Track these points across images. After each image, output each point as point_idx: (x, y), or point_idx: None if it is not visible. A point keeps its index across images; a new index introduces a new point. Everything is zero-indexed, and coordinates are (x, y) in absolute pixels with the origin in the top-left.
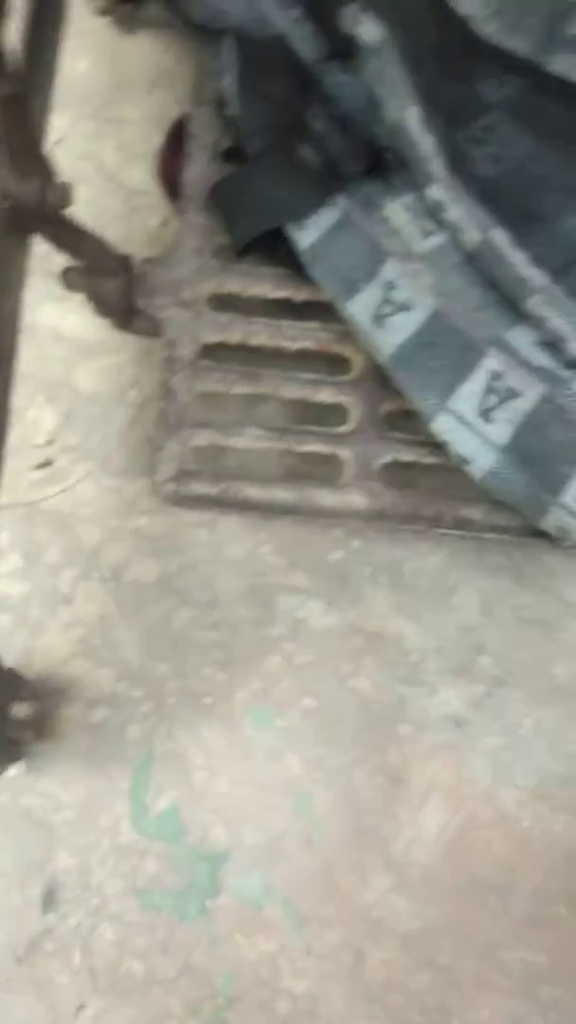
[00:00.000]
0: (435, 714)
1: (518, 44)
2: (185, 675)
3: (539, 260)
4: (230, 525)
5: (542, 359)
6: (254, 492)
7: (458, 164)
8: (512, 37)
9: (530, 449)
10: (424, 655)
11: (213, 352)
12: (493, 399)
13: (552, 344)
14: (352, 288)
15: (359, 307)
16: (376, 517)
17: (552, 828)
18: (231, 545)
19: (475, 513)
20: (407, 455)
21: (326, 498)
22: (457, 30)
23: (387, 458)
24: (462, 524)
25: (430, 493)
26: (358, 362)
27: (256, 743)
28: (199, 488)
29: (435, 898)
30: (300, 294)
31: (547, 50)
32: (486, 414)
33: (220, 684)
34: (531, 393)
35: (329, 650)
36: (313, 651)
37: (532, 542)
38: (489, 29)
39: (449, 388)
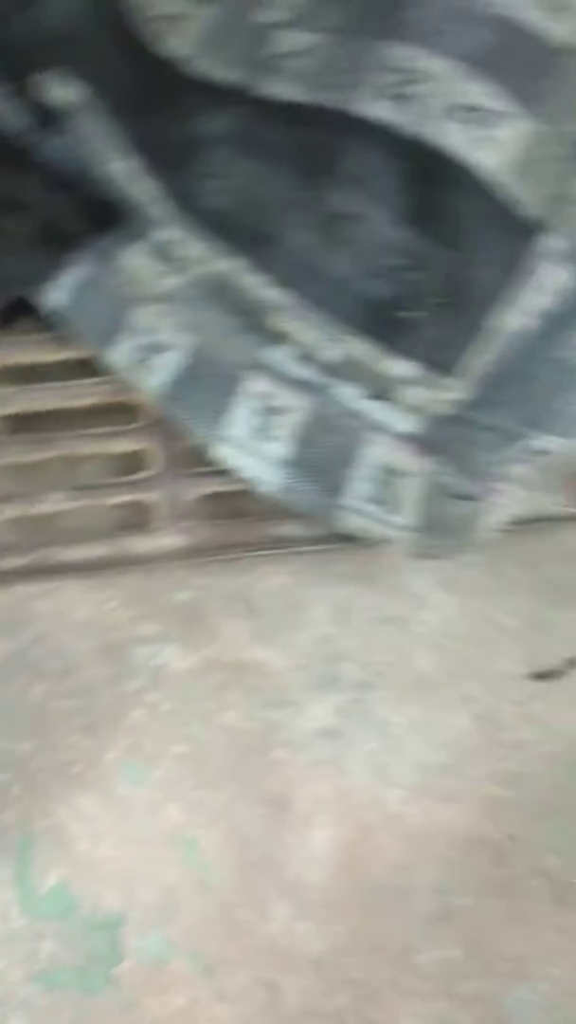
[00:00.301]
0: (307, 732)
1: (227, 75)
2: (50, 748)
3: (276, 280)
4: (71, 589)
5: (302, 372)
6: (69, 554)
7: (187, 202)
8: (220, 70)
9: (309, 459)
10: (287, 676)
11: (11, 424)
12: (264, 419)
13: (307, 356)
14: (107, 340)
15: (118, 356)
16: (194, 554)
17: (441, 819)
18: (76, 609)
19: (289, 529)
20: (214, 486)
21: (142, 545)
22: (165, 73)
23: (195, 493)
24: (279, 542)
25: (243, 518)
26: (146, 407)
27: (133, 800)
28: (13, 561)
29: (338, 915)
30: (81, 352)
31: (255, 75)
32: (261, 434)
33: (87, 750)
34: (298, 406)
35: (191, 692)
36: (176, 696)
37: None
38: (196, 67)
39: (220, 417)
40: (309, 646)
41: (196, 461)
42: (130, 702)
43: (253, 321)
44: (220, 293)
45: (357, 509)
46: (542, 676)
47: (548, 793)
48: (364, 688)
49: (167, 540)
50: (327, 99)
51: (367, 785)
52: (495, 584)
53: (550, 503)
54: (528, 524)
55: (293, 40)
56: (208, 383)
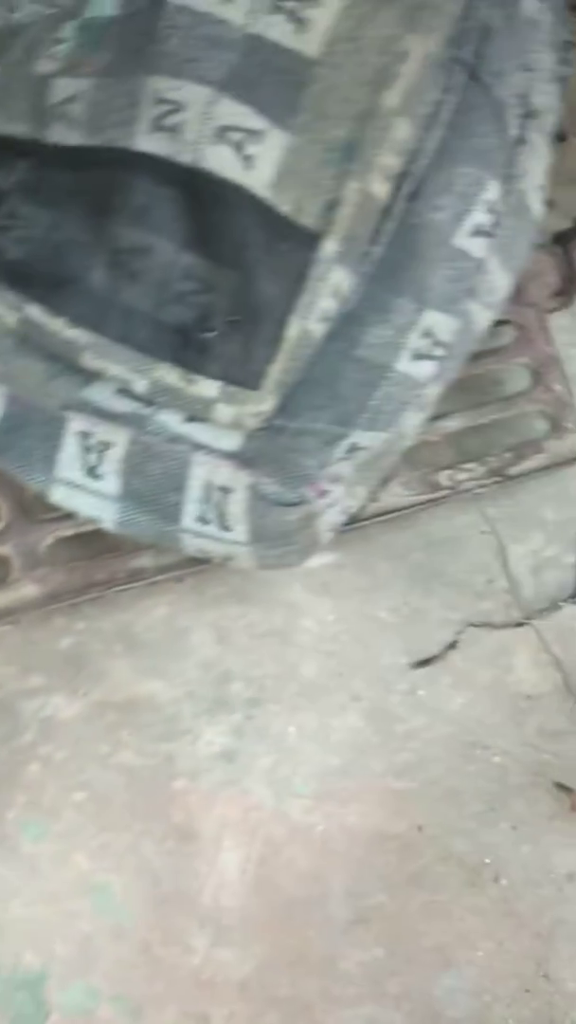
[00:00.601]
0: (204, 757)
1: (15, 128)
2: None
3: (78, 319)
4: None
5: (122, 405)
6: None
7: None
8: (7, 124)
9: (140, 490)
10: (177, 705)
11: None
12: (92, 457)
13: (123, 389)
14: None
15: None
16: (56, 599)
17: (346, 822)
18: None
19: (144, 561)
20: (64, 530)
21: (1, 599)
22: None
23: (47, 540)
24: (136, 575)
25: (99, 557)
26: None
27: (39, 856)
28: None
29: (257, 935)
30: None
31: (39, 126)
32: (91, 472)
33: None
34: (121, 440)
35: (84, 737)
36: (69, 744)
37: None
38: None
39: (49, 461)
40: (195, 672)
41: (43, 508)
42: (24, 757)
43: (66, 363)
44: (29, 341)
45: (194, 531)
46: (424, 663)
47: (446, 777)
48: (254, 704)
49: (27, 590)
50: (105, 139)
51: (270, 801)
52: (367, 582)
53: (392, 494)
54: (386, 518)
55: (67, 87)
56: (32, 430)
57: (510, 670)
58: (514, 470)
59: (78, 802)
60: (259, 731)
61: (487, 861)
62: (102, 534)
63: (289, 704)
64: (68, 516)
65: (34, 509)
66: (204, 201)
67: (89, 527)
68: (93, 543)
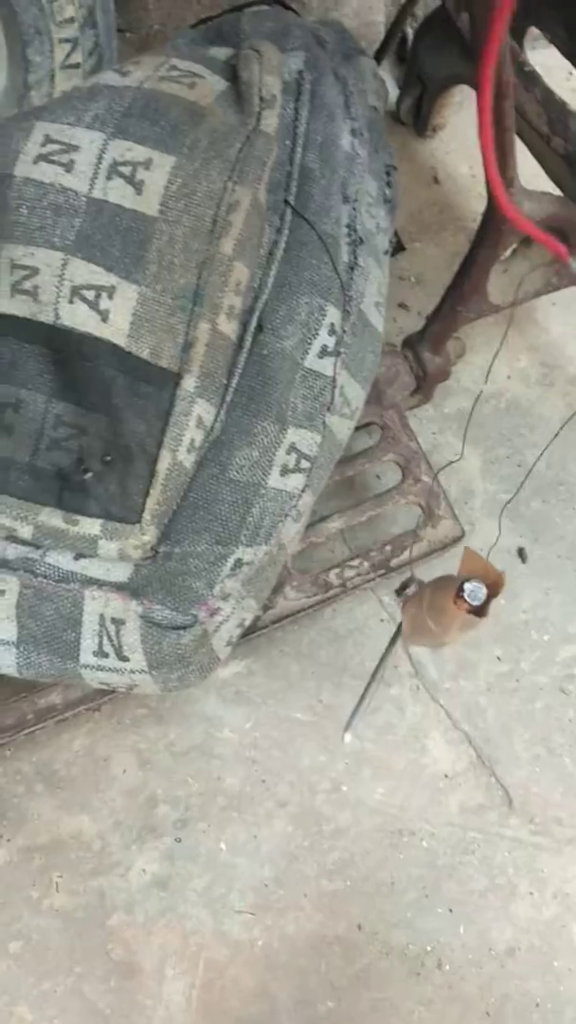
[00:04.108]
0: (138, 888)
1: None
2: None
3: None
4: None
5: (11, 552)
6: None
7: None
8: None
9: (37, 633)
10: (105, 838)
11: None
12: None
13: (10, 537)
14: None
15: None
16: None
17: (286, 931)
18: None
19: (53, 698)
20: None
21: None
22: None
23: None
24: (45, 714)
25: (4, 702)
26: None
27: None
28: None
29: None
30: None
31: None
32: None
33: None
34: (12, 586)
35: (13, 884)
36: None
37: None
38: None
39: None
40: (120, 800)
41: None
42: None
43: None
44: None
45: (94, 665)
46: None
47: (378, 870)
48: (183, 826)
49: None
50: None
51: (208, 922)
52: (279, 684)
53: (286, 599)
54: (288, 620)
55: None
56: None
57: (425, 752)
58: (395, 561)
59: (15, 953)
60: (190, 852)
61: (428, 948)
62: (5, 678)
63: (217, 820)
64: None
65: None
66: (68, 354)
67: None
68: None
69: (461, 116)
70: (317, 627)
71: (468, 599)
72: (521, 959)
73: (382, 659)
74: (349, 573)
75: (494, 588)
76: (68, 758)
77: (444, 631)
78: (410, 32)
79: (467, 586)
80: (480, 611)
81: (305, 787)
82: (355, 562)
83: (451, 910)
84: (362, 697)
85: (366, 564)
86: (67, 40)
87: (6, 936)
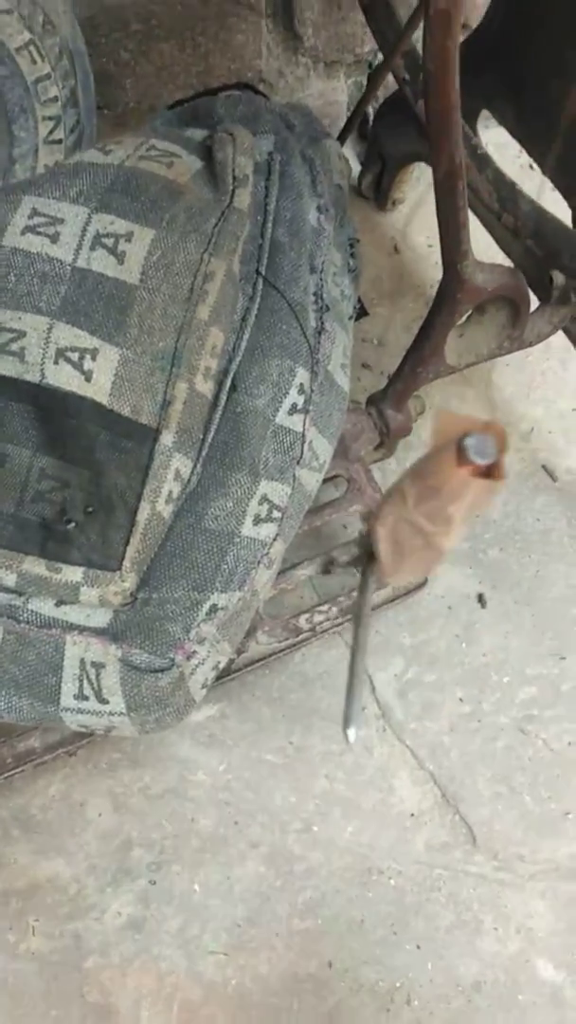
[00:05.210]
0: (113, 930)
1: None
2: None
3: None
4: None
5: None
6: None
7: None
8: None
9: (18, 677)
10: (80, 881)
11: None
12: None
13: None
14: None
15: None
16: None
17: (258, 971)
18: None
19: (31, 742)
20: None
21: None
22: None
23: None
24: (24, 758)
25: None
26: None
27: None
28: None
29: None
30: None
31: None
32: None
33: None
34: None
35: None
36: None
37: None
38: None
39: None
40: (95, 844)
41: None
42: None
43: None
44: None
45: (74, 708)
46: None
47: (348, 908)
48: (157, 868)
49: None
50: None
51: (182, 963)
52: (249, 728)
53: (258, 643)
54: (259, 664)
55: None
56: None
57: (392, 791)
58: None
59: None
60: (164, 894)
61: (397, 984)
62: None
63: (191, 861)
64: None
65: None
66: (53, 411)
67: None
68: None
69: (419, 190)
70: (287, 671)
71: (475, 457)
72: (487, 993)
73: (359, 617)
74: (318, 618)
75: (499, 436)
76: (44, 803)
77: (447, 524)
78: (371, 112)
79: (468, 442)
80: (494, 470)
81: (277, 827)
82: (324, 607)
83: (419, 946)
84: (351, 683)
85: (335, 609)
86: (50, 118)
87: None
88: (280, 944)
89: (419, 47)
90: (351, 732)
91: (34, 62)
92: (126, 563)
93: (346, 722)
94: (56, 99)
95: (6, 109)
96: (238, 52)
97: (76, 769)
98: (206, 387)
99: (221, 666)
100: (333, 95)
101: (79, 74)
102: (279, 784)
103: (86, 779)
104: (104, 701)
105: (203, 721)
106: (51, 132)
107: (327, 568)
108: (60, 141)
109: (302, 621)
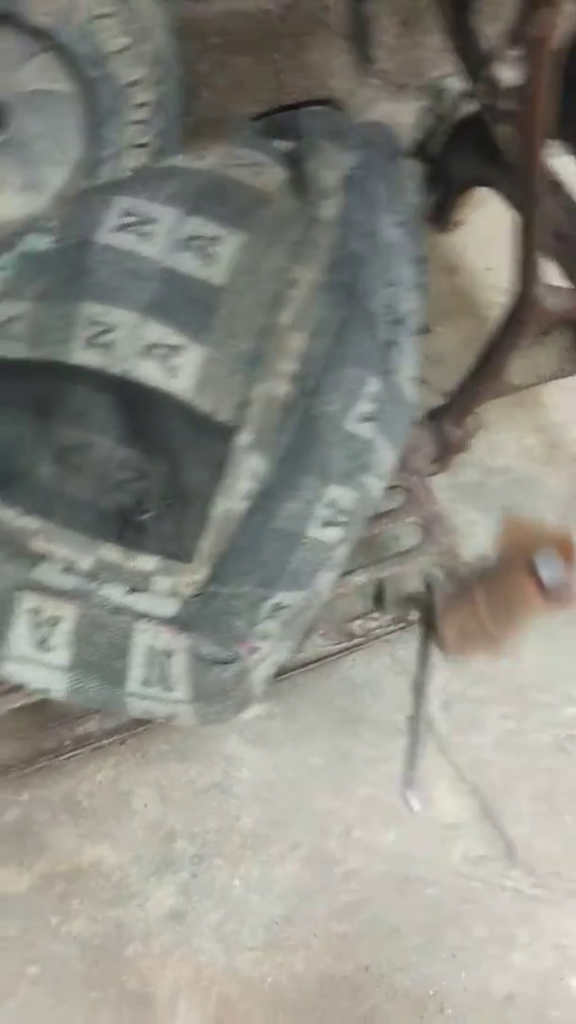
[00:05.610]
0: (154, 919)
1: None
2: None
3: (27, 510)
4: None
5: (68, 582)
6: None
7: None
8: None
9: (89, 658)
10: (125, 869)
11: None
12: (42, 631)
13: (69, 568)
14: None
15: None
16: (3, 773)
17: (295, 970)
18: None
19: (90, 726)
20: (12, 703)
21: None
22: None
23: None
24: (82, 741)
25: (46, 727)
26: None
27: None
28: None
29: None
30: None
31: None
32: (42, 645)
33: None
34: (69, 614)
35: (34, 909)
36: (19, 918)
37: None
38: None
39: (0, 640)
40: (141, 833)
41: None
42: None
43: (16, 548)
44: None
45: (139, 694)
46: None
47: (385, 914)
48: (199, 861)
49: None
50: (44, 353)
51: (220, 957)
52: (296, 729)
53: (314, 646)
54: (307, 667)
55: (8, 309)
56: None
57: (432, 802)
58: (415, 616)
59: (32, 976)
60: (205, 887)
61: (431, 993)
62: (46, 704)
63: (232, 857)
64: (14, 689)
65: None
66: (135, 404)
67: (32, 699)
68: (38, 713)
69: (479, 214)
70: (336, 676)
71: (546, 580)
72: (519, 1007)
73: (419, 688)
74: (371, 624)
75: (567, 552)
76: (91, 789)
77: (512, 629)
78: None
79: (540, 566)
80: (563, 592)
81: (318, 829)
82: (377, 615)
83: (454, 955)
84: (412, 748)
85: (388, 617)
86: (139, 122)
87: (25, 960)
88: (317, 945)
89: (502, 72)
90: (413, 799)
91: (128, 67)
92: (199, 555)
93: (406, 785)
94: (145, 104)
95: (96, 111)
96: (312, 70)
97: (125, 758)
98: (283, 390)
99: (280, 664)
100: (400, 117)
101: (169, 82)
102: (322, 787)
103: (134, 769)
104: (169, 689)
105: (251, 719)
106: (138, 136)
107: (378, 595)
108: (145, 146)
109: (355, 627)
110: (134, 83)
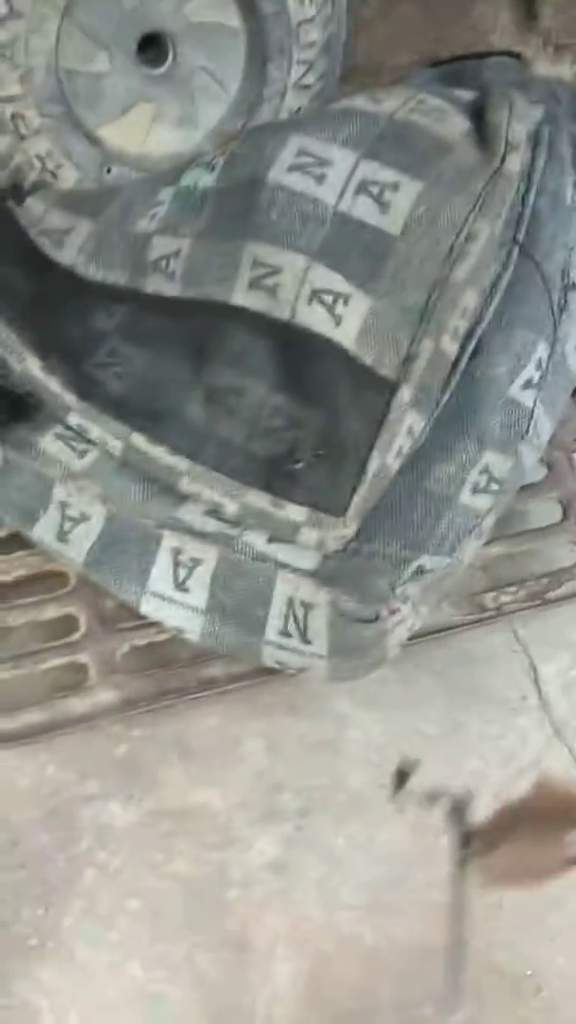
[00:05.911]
0: (256, 867)
1: (116, 278)
2: (5, 925)
3: (176, 448)
4: (9, 758)
5: (211, 525)
6: (6, 724)
7: (89, 390)
8: (110, 274)
9: (226, 604)
10: (230, 814)
11: None
12: (183, 571)
13: (214, 510)
14: (31, 517)
15: (42, 531)
16: (130, 706)
17: (393, 933)
18: (16, 776)
19: (215, 670)
20: (140, 639)
21: (78, 705)
22: (61, 279)
23: (124, 648)
24: (207, 684)
25: (173, 666)
26: (72, 572)
27: (94, 964)
28: None
29: None
30: (4, 530)
31: (138, 277)
32: (181, 586)
33: (42, 919)
34: (210, 557)
35: (140, 844)
36: (124, 851)
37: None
38: (90, 272)
39: (143, 575)
40: (247, 781)
41: (122, 617)
42: (81, 863)
43: (161, 486)
44: (128, 465)
45: (276, 643)
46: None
47: (487, 890)
48: (304, 815)
49: (103, 696)
50: (201, 292)
51: (320, 912)
52: (410, 696)
53: (443, 614)
54: (430, 635)
55: (165, 245)
56: (127, 546)
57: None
58: (552, 595)
59: (133, 910)
60: (309, 842)
61: (528, 973)
62: (173, 644)
63: (337, 815)
64: (146, 626)
65: (113, 618)
66: (295, 350)
67: (163, 637)
68: (165, 653)
69: None
70: (454, 647)
71: None
72: None
73: (458, 909)
74: (504, 598)
75: None
76: (200, 732)
77: (552, 876)
78: None
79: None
80: None
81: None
82: (511, 588)
83: (552, 939)
84: (455, 963)
85: (522, 592)
86: (304, 62)
87: (128, 893)
88: (416, 911)
89: None
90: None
91: (301, 4)
92: (351, 510)
93: (451, 999)
94: (314, 44)
95: (265, 48)
96: (475, 23)
97: (238, 706)
98: (451, 348)
99: (415, 628)
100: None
101: (337, 22)
102: (432, 756)
103: (245, 718)
104: (308, 641)
105: (364, 682)
106: (303, 76)
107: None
108: (309, 87)
109: (488, 599)
110: (305, 21)
